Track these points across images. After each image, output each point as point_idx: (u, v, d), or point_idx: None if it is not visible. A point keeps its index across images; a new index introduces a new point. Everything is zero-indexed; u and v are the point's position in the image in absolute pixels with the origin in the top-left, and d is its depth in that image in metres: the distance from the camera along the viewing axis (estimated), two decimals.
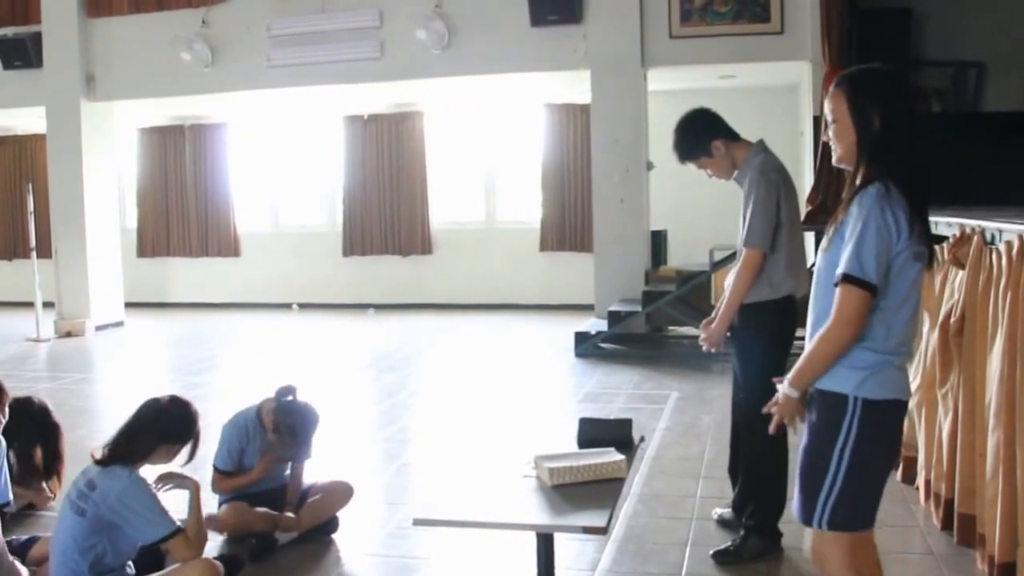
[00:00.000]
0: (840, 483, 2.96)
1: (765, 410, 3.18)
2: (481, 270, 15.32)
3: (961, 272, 4.67)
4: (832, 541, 3.06)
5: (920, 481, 5.51)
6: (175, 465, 4.28)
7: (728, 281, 4.79)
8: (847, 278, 2.86)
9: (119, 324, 14.13)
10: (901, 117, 2.97)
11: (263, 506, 5.08)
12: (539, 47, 11.86)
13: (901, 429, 3.11)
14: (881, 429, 3.00)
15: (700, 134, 4.85)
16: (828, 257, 2.99)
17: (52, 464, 5.86)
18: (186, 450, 4.25)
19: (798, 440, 3.15)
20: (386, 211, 15.59)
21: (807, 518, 3.06)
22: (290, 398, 5.07)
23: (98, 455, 4.08)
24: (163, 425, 4.14)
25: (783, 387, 3.08)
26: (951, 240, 4.87)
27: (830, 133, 3.07)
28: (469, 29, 12.11)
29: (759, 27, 11.18)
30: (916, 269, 2.96)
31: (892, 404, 3.00)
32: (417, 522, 3.76)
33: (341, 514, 5.33)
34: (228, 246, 16.45)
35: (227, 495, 5.12)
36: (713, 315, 4.88)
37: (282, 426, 4.97)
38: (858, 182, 2.97)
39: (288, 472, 5.30)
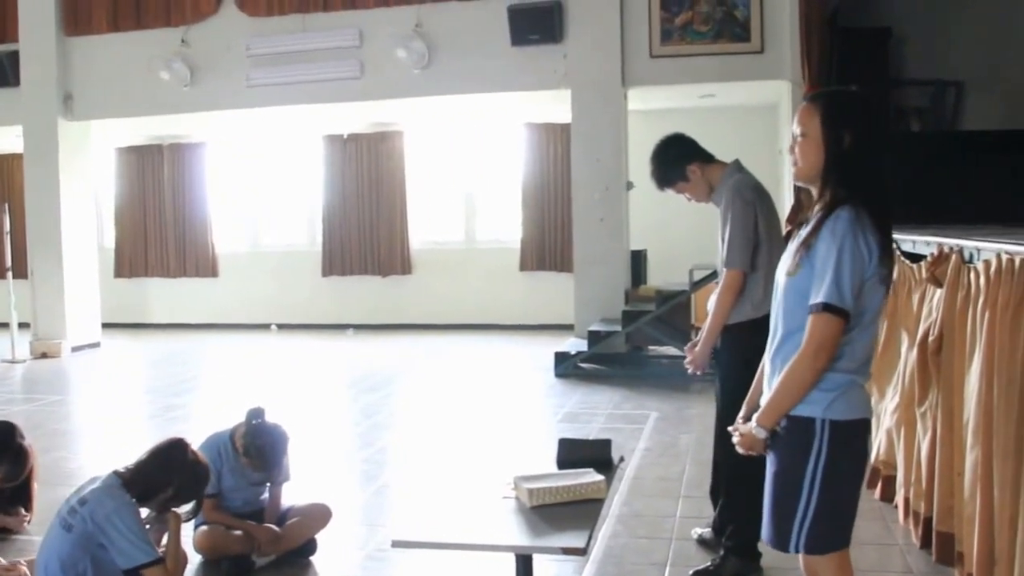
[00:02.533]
0: (814, 506, 2.94)
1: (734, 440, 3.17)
2: (461, 290, 15.31)
3: (939, 291, 4.67)
4: (825, 561, 3.05)
5: (899, 499, 5.51)
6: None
7: (710, 303, 4.78)
8: (827, 307, 2.84)
9: (95, 345, 14.04)
10: (872, 140, 2.96)
11: (240, 529, 5.04)
12: (519, 67, 11.89)
13: (868, 447, 3.10)
14: (850, 449, 2.99)
15: (675, 160, 4.86)
16: (795, 282, 2.97)
17: (21, 489, 5.76)
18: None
19: None
20: (365, 231, 15.58)
21: (782, 543, 3.03)
22: (258, 421, 5.04)
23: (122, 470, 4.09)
24: (179, 480, 4.15)
25: (750, 426, 3.04)
26: (929, 259, 4.87)
27: (796, 147, 3.05)
28: (449, 49, 12.13)
29: (739, 47, 11.24)
30: (882, 292, 2.96)
31: (859, 423, 3.00)
32: (396, 544, 3.72)
33: (319, 536, 5.29)
34: (206, 266, 16.40)
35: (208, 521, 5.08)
36: (697, 338, 4.87)
37: (252, 448, 4.94)
38: (824, 201, 2.96)
39: (266, 496, 5.26)
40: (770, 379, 3.07)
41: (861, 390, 3.01)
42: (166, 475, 4.11)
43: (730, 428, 3.19)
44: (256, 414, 5.05)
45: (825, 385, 2.92)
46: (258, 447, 4.95)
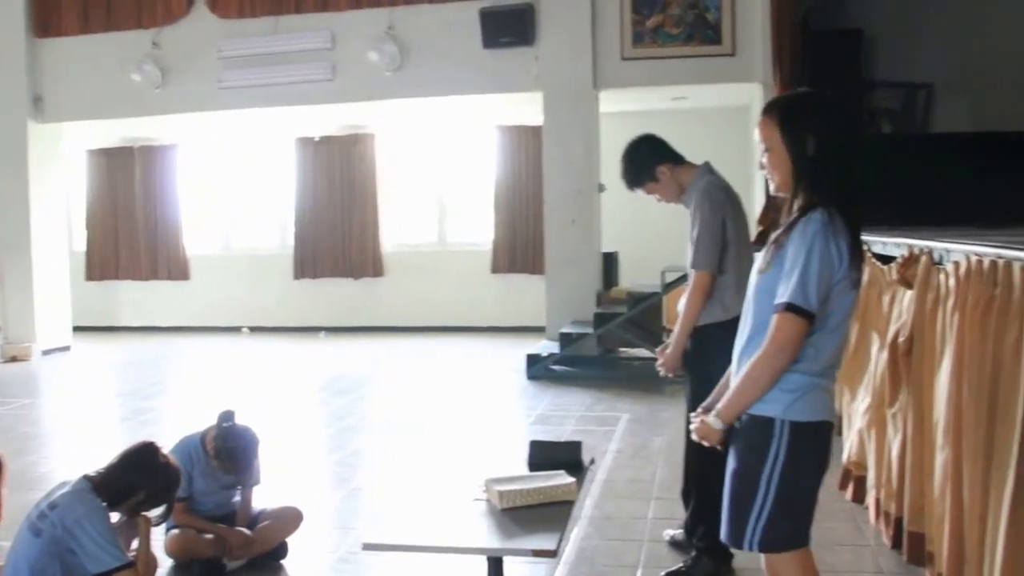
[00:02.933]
0: (769, 505, 2.95)
1: (692, 427, 3.18)
2: (433, 292, 15.28)
3: (909, 292, 4.70)
4: (784, 560, 3.05)
5: (870, 500, 5.53)
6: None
7: (680, 305, 4.79)
8: (791, 307, 2.84)
9: (66, 349, 13.93)
10: (836, 141, 2.94)
11: (211, 533, 5.02)
12: (491, 69, 11.89)
13: (829, 449, 3.10)
14: (809, 450, 3.00)
15: (645, 160, 4.87)
16: (765, 280, 2.98)
17: None
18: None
19: None
20: (337, 233, 15.53)
21: (736, 541, 3.04)
22: (229, 424, 5.01)
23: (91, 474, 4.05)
24: (150, 484, 4.11)
25: (709, 418, 3.05)
26: (899, 260, 4.90)
27: (764, 162, 3.05)
28: (421, 51, 12.12)
29: (711, 49, 11.27)
30: (852, 296, 2.96)
31: (819, 425, 3.00)
32: (367, 547, 3.72)
33: (291, 540, 5.27)
34: (178, 269, 16.31)
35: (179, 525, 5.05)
36: (668, 340, 4.88)
37: (222, 451, 4.93)
38: (797, 206, 2.95)
39: (237, 499, 5.23)
40: (735, 374, 3.08)
41: (823, 393, 3.01)
42: (137, 479, 4.08)
43: (691, 414, 3.20)
44: (226, 417, 5.03)
45: (786, 386, 2.93)
46: (228, 450, 4.93)
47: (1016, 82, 10.09)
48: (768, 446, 2.94)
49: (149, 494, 4.11)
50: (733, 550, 4.65)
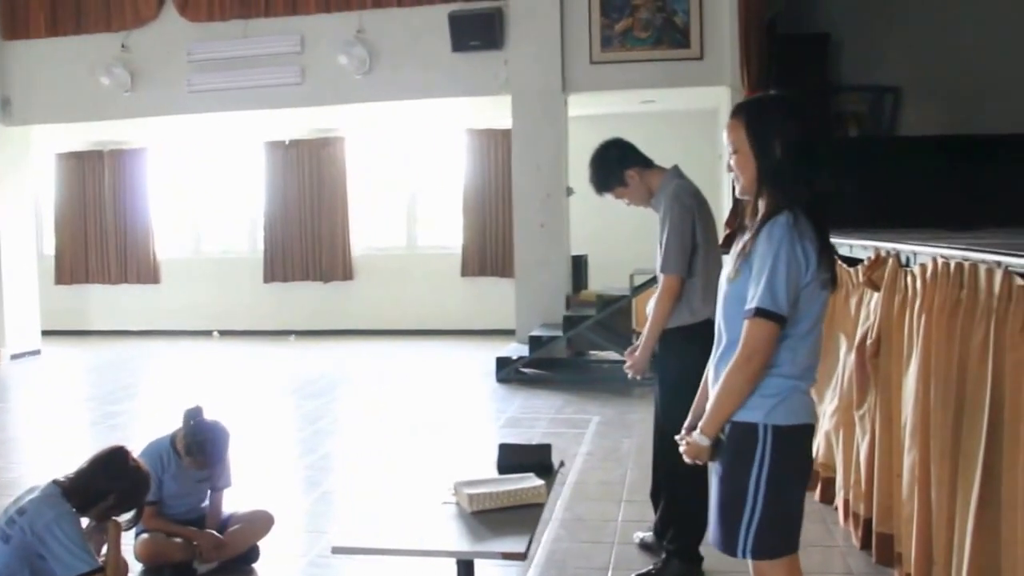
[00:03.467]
0: (760, 511, 2.95)
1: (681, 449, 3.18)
2: (403, 295, 15.26)
3: (876, 294, 4.73)
4: (772, 567, 3.06)
5: (839, 501, 5.57)
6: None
7: (649, 308, 4.80)
8: (760, 311, 2.85)
9: (35, 353, 13.84)
10: (802, 144, 2.95)
11: (181, 536, 4.99)
12: (460, 73, 11.89)
13: (812, 451, 3.12)
14: (793, 454, 3.00)
15: (613, 165, 4.88)
16: (736, 287, 2.98)
17: None
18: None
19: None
20: (307, 237, 15.50)
21: (730, 548, 3.03)
22: (197, 419, 5.00)
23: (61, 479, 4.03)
24: (120, 488, 4.10)
25: (695, 436, 3.05)
26: (866, 263, 4.93)
27: (732, 163, 3.05)
28: (390, 55, 12.12)
29: (679, 53, 11.32)
30: (823, 297, 2.97)
31: (802, 428, 3.01)
32: (336, 550, 3.72)
33: (262, 543, 5.25)
34: (148, 272, 16.21)
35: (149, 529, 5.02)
36: (637, 343, 4.89)
37: (193, 446, 4.91)
38: (762, 209, 2.97)
39: (207, 503, 5.21)
40: (713, 386, 3.08)
41: (804, 395, 3.02)
42: (107, 483, 4.06)
43: (676, 437, 3.19)
44: (194, 413, 5.01)
45: (766, 391, 2.94)
46: (199, 443, 4.91)
47: (981, 85, 10.17)
48: (753, 452, 2.94)
49: (119, 498, 4.10)
50: (704, 553, 4.72)
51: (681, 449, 3.14)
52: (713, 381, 3.09)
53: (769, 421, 2.94)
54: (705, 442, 3.02)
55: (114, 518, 4.18)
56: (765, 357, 2.89)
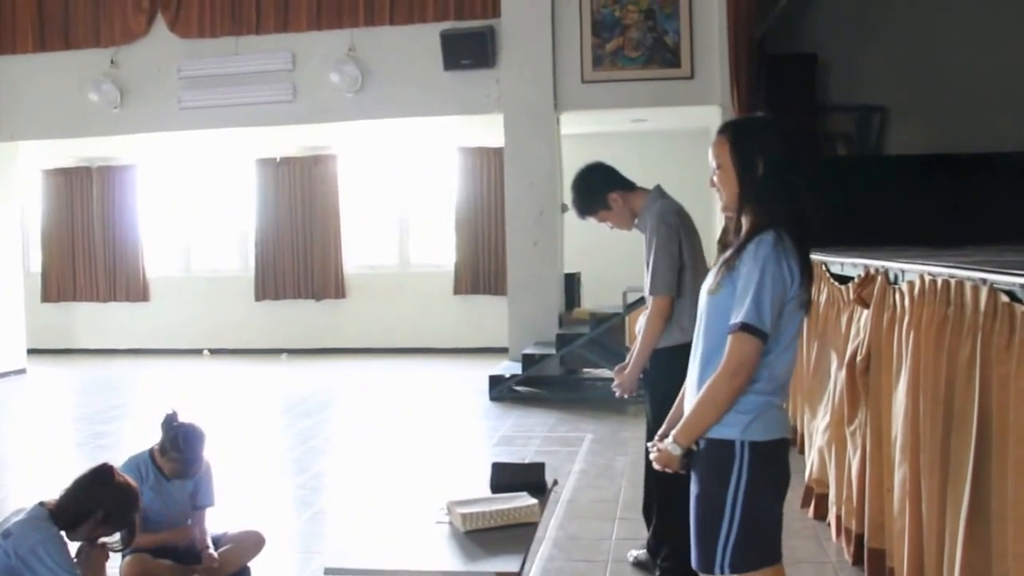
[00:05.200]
0: (736, 528, 2.96)
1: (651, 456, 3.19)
2: (395, 314, 15.27)
3: (866, 311, 4.76)
4: None
5: (832, 517, 5.58)
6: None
7: (639, 327, 4.82)
8: (746, 327, 2.87)
9: (21, 372, 13.80)
10: (784, 163, 3.00)
11: (167, 558, 4.94)
12: (452, 91, 11.93)
13: (788, 465, 3.13)
14: (770, 468, 3.02)
15: (595, 189, 4.90)
16: (717, 301, 3.00)
17: None
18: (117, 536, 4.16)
19: None
20: (299, 255, 15.51)
21: (707, 566, 3.03)
22: (171, 421, 4.95)
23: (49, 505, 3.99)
24: (107, 505, 4.03)
25: (667, 444, 3.06)
26: (856, 280, 4.96)
27: (715, 179, 3.09)
28: (382, 73, 12.14)
29: (670, 72, 11.36)
30: (800, 316, 3.01)
31: (778, 443, 3.03)
32: (328, 571, 3.70)
33: (253, 564, 5.21)
34: (137, 290, 16.20)
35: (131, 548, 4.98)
36: (626, 361, 4.91)
37: (167, 443, 4.86)
38: (745, 226, 3.00)
39: (190, 521, 5.17)
40: (691, 397, 3.09)
41: (779, 411, 3.04)
42: (93, 501, 4.01)
43: (648, 444, 3.21)
44: (170, 418, 4.97)
45: (742, 407, 2.95)
46: (172, 439, 4.84)
47: (966, 104, 10.27)
48: (729, 469, 2.95)
49: (106, 515, 4.03)
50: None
51: (652, 456, 3.16)
52: (691, 392, 3.10)
53: (746, 437, 2.95)
54: (678, 451, 3.03)
55: (100, 543, 4.13)
56: (750, 373, 2.91)
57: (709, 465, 3.01)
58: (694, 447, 3.03)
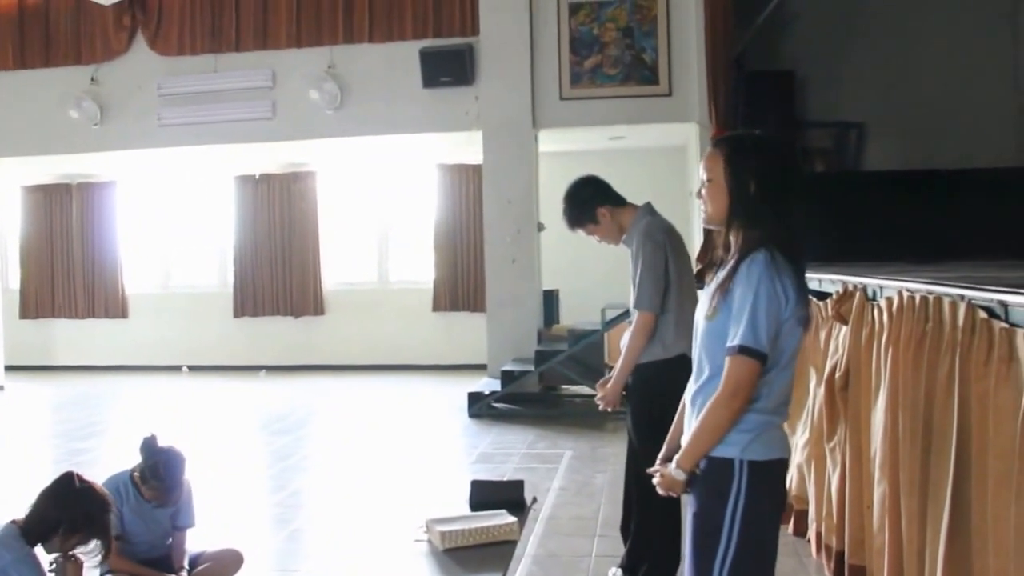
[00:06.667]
0: (735, 546, 2.93)
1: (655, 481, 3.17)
2: (374, 331, 15.24)
3: (844, 328, 4.77)
4: None
5: (811, 533, 5.58)
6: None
7: (623, 342, 4.83)
8: (743, 349, 2.85)
9: None
10: (777, 182, 2.98)
11: None
12: (431, 108, 11.96)
13: (786, 485, 3.12)
14: (769, 488, 3.00)
15: (585, 202, 4.92)
16: (714, 325, 2.97)
17: None
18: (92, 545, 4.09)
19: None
20: (278, 271, 15.47)
21: None
22: (150, 446, 4.92)
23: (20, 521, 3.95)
24: (72, 511, 3.97)
25: (671, 470, 3.04)
26: (834, 296, 4.98)
27: (703, 192, 3.07)
28: (362, 90, 12.17)
29: (648, 89, 11.42)
30: (799, 333, 2.98)
31: (777, 463, 3.01)
32: None
33: None
34: (116, 307, 16.13)
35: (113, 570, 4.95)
36: (609, 375, 4.92)
37: (147, 471, 4.82)
38: (737, 246, 2.98)
39: (170, 540, 5.14)
40: (690, 420, 3.07)
41: (779, 430, 3.03)
42: (57, 511, 3.93)
43: (649, 470, 3.19)
44: (148, 442, 4.94)
45: (743, 426, 2.93)
46: (152, 466, 4.81)
47: (943, 121, 10.34)
48: (729, 487, 2.93)
49: (72, 523, 3.94)
50: None
51: (655, 481, 3.12)
52: (690, 415, 3.08)
53: (745, 456, 2.93)
54: (681, 476, 3.00)
55: (74, 556, 4.08)
56: (748, 394, 2.89)
57: (708, 483, 2.99)
58: (696, 469, 3.01)
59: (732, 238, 3.01)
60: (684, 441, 3.07)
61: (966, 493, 3.36)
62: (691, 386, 3.11)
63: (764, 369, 2.90)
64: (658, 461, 3.21)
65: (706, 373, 3.03)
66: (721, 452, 2.95)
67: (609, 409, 4.92)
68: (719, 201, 3.02)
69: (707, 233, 3.16)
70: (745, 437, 2.94)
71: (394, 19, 12.16)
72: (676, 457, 3.04)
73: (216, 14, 12.61)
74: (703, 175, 3.06)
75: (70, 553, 4.04)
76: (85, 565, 4.11)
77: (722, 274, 3.00)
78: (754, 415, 2.94)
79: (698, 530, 3.02)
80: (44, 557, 3.99)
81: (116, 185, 16.12)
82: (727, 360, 2.89)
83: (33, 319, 16.35)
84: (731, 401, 2.89)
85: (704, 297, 3.08)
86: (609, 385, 4.86)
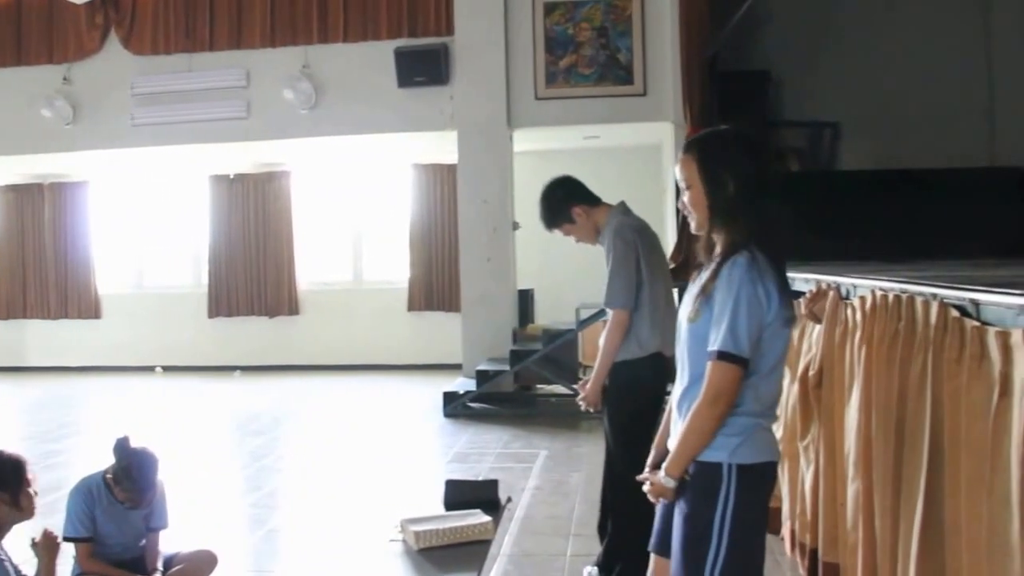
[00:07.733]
0: (724, 551, 2.92)
1: (643, 484, 3.15)
2: (349, 330, 15.21)
3: (818, 326, 4.79)
4: None
5: (785, 531, 5.60)
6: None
7: (600, 341, 4.84)
8: (723, 355, 2.84)
9: None
10: (754, 179, 2.94)
11: None
12: (406, 108, 11.96)
13: (773, 489, 3.11)
14: (758, 492, 2.99)
15: (560, 202, 4.94)
16: (696, 329, 2.96)
17: None
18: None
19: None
20: (252, 271, 15.42)
21: None
22: (123, 447, 4.89)
23: None
24: None
25: (660, 477, 3.02)
26: (808, 295, 4.99)
27: (685, 200, 3.04)
28: (336, 90, 12.15)
29: (622, 89, 11.45)
30: (785, 335, 2.97)
31: (766, 466, 3.00)
32: None
33: None
34: (88, 307, 16.03)
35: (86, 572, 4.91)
36: (587, 376, 4.93)
37: (119, 472, 4.79)
38: (720, 248, 2.96)
39: (143, 542, 5.11)
40: (676, 425, 3.06)
41: (767, 433, 3.01)
42: None
43: (639, 477, 3.17)
44: (120, 443, 4.90)
45: (730, 430, 2.91)
46: (124, 468, 4.78)
47: (916, 120, 10.40)
48: (717, 491, 2.92)
49: None
50: None
51: (645, 488, 3.10)
52: (676, 420, 3.07)
53: (734, 460, 2.91)
54: (671, 483, 2.99)
55: (45, 531, 4.10)
56: (730, 399, 2.87)
57: (697, 487, 2.97)
58: (685, 475, 2.99)
59: (715, 239, 2.99)
60: (671, 446, 3.06)
61: (939, 490, 3.38)
62: (676, 389, 3.10)
63: (748, 373, 2.88)
64: (647, 468, 3.20)
65: (687, 377, 3.02)
66: (709, 456, 2.94)
67: (592, 410, 4.93)
68: (702, 206, 2.99)
69: (681, 231, 3.16)
70: (733, 441, 2.92)
71: (369, 19, 12.16)
72: (664, 464, 3.03)
73: (190, 13, 12.57)
74: (681, 184, 3.04)
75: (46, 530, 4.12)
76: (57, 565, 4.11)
77: (705, 276, 2.98)
78: (742, 418, 2.93)
79: (687, 534, 3.00)
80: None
81: (89, 185, 16.02)
82: (708, 364, 2.88)
83: (4, 320, 16.24)
84: (713, 406, 2.88)
85: (688, 298, 3.06)
86: (588, 385, 4.87)
